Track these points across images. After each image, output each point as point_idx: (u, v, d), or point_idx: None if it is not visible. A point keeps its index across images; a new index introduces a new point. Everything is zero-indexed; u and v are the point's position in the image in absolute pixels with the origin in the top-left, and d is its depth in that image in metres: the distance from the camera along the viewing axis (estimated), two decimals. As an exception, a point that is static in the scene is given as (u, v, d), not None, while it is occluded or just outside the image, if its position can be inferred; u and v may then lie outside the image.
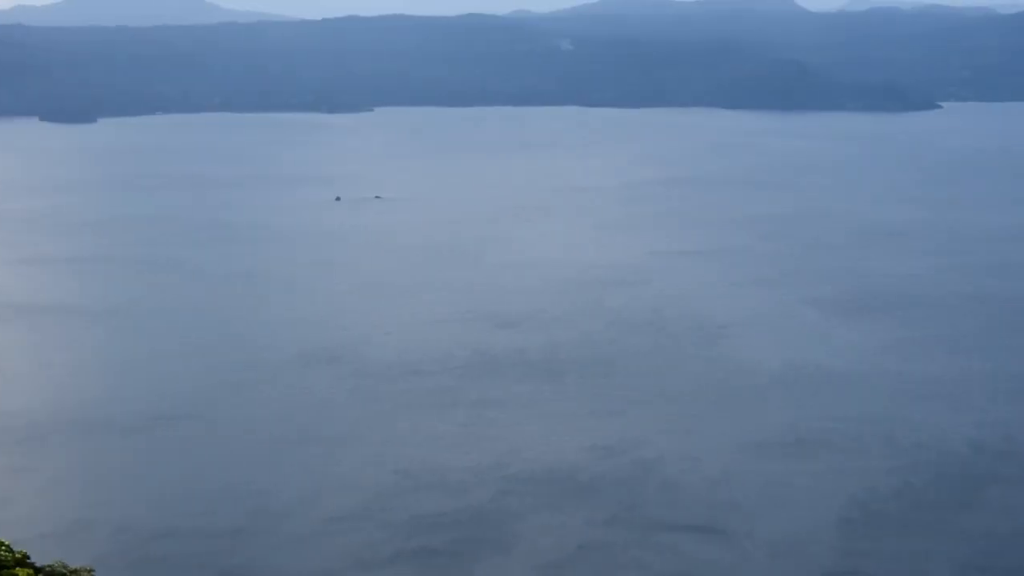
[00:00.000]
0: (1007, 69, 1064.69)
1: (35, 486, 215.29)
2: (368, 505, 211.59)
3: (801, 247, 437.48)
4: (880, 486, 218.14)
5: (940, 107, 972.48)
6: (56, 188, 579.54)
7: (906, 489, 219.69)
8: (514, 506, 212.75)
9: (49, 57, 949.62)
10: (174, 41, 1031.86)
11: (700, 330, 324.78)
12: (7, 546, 74.12)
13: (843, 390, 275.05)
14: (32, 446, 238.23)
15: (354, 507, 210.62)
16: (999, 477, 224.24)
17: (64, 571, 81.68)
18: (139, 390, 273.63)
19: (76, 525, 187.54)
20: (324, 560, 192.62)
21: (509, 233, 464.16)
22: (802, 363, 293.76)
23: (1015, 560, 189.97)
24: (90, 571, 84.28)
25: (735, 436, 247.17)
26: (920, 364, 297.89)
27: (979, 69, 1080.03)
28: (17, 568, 73.67)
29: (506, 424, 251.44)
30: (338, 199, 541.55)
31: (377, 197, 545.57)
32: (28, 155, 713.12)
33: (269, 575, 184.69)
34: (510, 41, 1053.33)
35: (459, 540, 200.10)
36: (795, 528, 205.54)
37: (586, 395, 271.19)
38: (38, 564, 78.22)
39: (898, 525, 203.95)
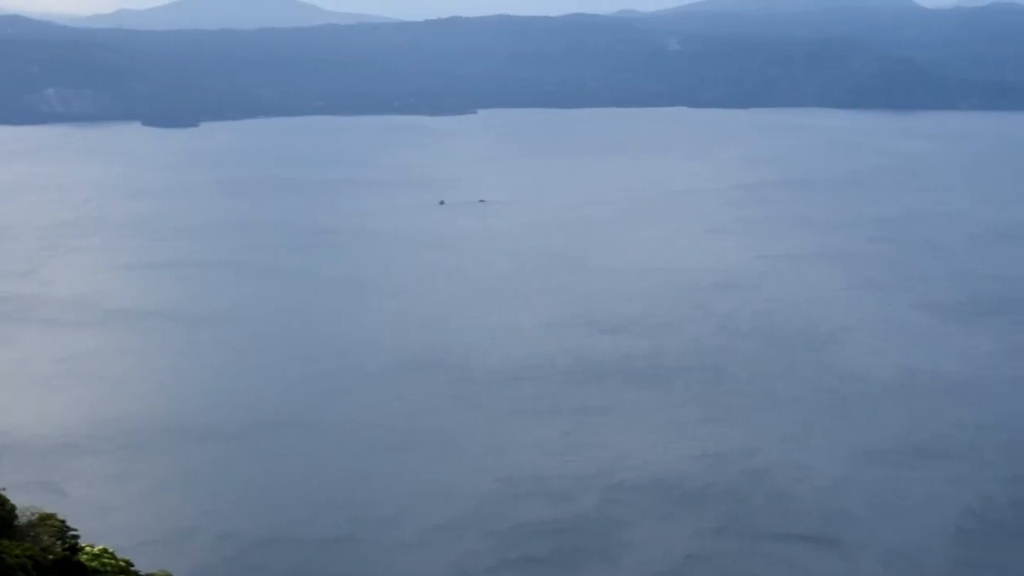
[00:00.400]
0: None
1: (138, 493, 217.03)
2: (471, 513, 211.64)
3: (915, 250, 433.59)
4: (997, 495, 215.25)
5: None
6: (158, 193, 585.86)
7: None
8: (619, 515, 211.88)
9: (151, 61, 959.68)
10: (275, 44, 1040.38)
11: (811, 336, 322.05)
12: (110, 554, 74.92)
13: (959, 397, 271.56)
14: (135, 452, 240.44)
15: (456, 515, 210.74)
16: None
17: None
18: (241, 396, 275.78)
19: (179, 533, 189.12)
20: (426, 569, 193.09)
21: (614, 237, 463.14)
22: (916, 369, 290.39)
23: None
24: None
25: (847, 444, 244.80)
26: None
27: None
28: None
29: (611, 431, 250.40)
30: (442, 203, 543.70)
31: (481, 201, 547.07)
32: (131, 160, 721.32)
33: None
34: (616, 41, 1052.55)
35: (563, 549, 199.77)
36: (910, 538, 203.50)
37: (693, 402, 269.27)
38: (141, 572, 79.10)
39: (1016, 535, 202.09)
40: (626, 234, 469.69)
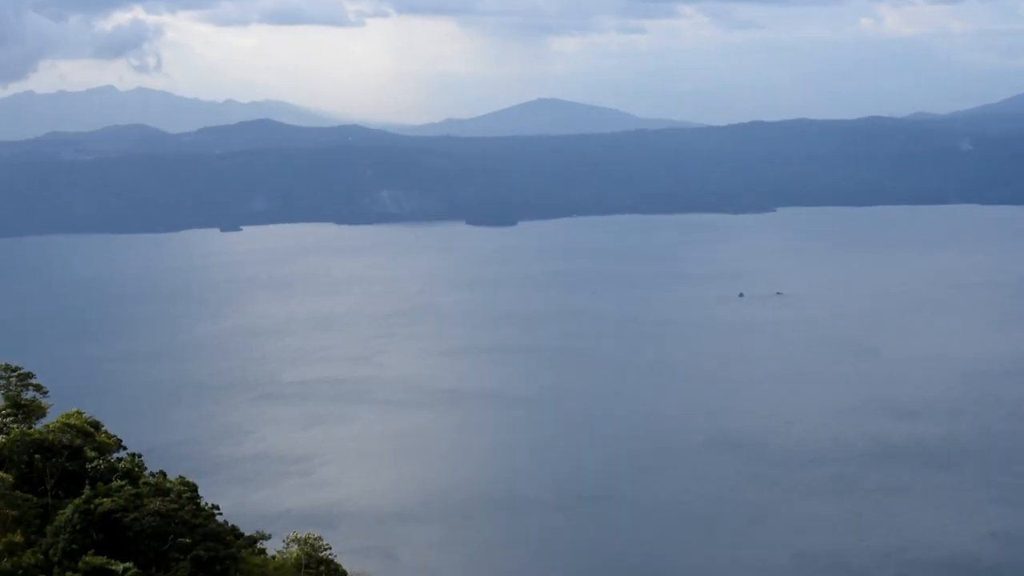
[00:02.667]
0: None
1: (465, 559, 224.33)
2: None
3: None
4: None
5: None
6: (482, 284, 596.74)
7: None
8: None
9: (474, 165, 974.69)
10: (589, 149, 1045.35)
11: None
12: None
13: None
14: (461, 521, 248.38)
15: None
16: None
17: None
18: (560, 470, 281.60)
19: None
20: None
21: (907, 327, 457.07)
22: None
23: None
24: None
25: None
26: None
27: None
28: None
29: (904, 511, 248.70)
30: (741, 295, 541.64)
31: (779, 293, 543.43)
32: (456, 255, 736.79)
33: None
34: (909, 142, 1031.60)
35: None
36: None
37: (985, 484, 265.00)
38: None
39: None
40: (918, 324, 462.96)
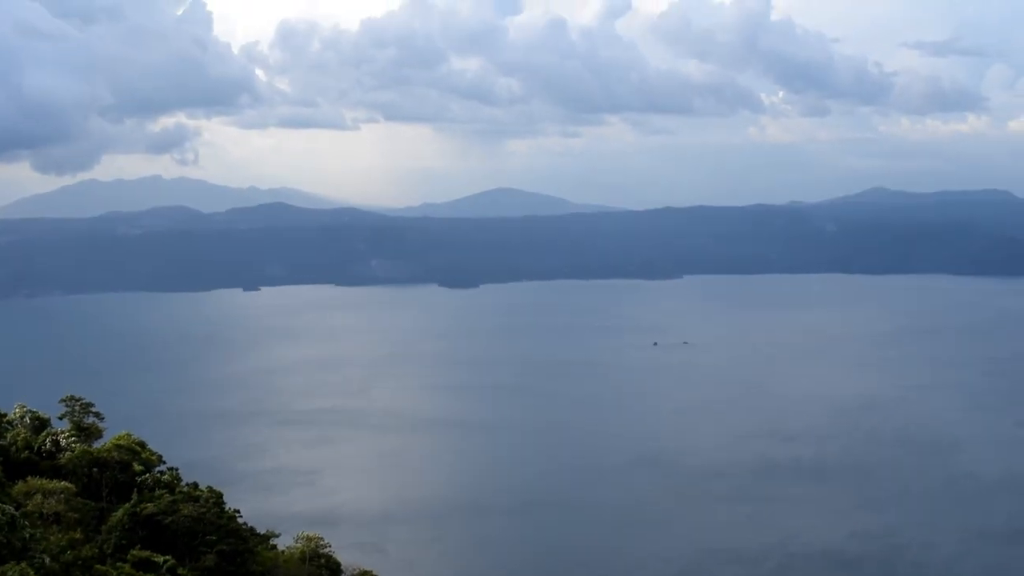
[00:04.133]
0: None
1: (439, 553, 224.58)
2: (681, 567, 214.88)
3: (1018, 381, 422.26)
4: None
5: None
6: (451, 335, 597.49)
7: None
8: (796, 573, 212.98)
9: (445, 239, 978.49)
10: (536, 227, 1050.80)
11: (936, 445, 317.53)
12: None
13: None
14: (435, 523, 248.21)
15: (670, 565, 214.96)
16: None
17: None
18: (512, 482, 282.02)
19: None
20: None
21: (786, 370, 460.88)
22: (1019, 472, 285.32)
23: None
24: None
25: (966, 527, 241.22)
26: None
27: None
28: None
29: (785, 514, 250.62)
30: (655, 344, 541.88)
31: (685, 343, 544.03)
32: (431, 311, 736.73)
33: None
34: (787, 224, 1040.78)
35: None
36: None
37: (848, 493, 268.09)
38: None
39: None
40: (795, 368, 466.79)
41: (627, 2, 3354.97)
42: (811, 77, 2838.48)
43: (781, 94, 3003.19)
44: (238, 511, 64.81)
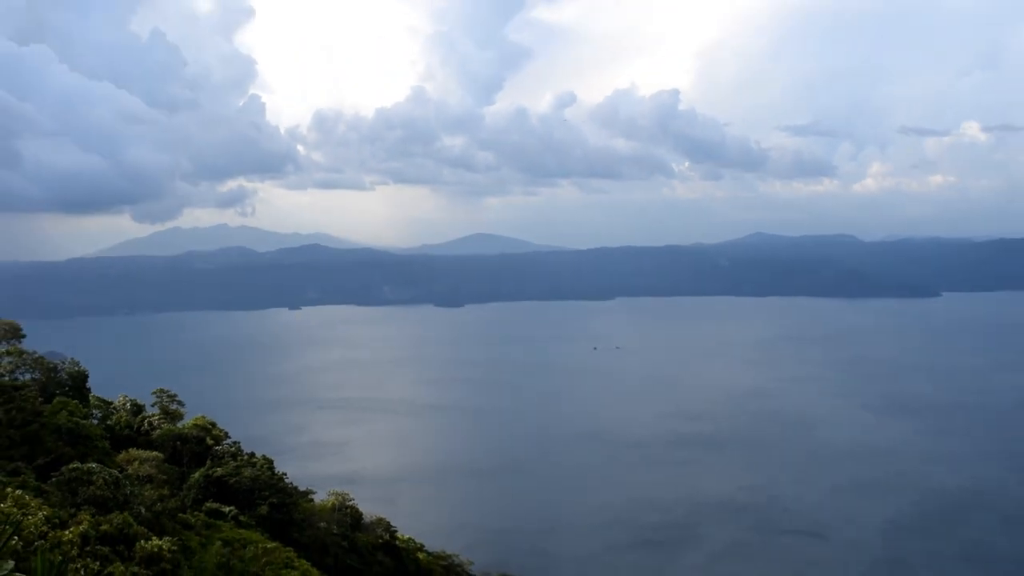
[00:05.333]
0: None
1: (436, 505, 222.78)
2: (614, 517, 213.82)
3: (859, 376, 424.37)
4: (906, 507, 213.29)
5: (941, 295, 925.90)
6: (444, 342, 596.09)
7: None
8: (697, 519, 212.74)
9: (439, 270, 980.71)
10: (508, 262, 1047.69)
11: (801, 423, 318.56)
12: (412, 540, 77.70)
13: (881, 457, 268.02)
14: (434, 482, 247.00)
15: (606, 518, 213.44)
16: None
17: (444, 555, 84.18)
18: (488, 452, 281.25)
19: (455, 528, 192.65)
20: (591, 545, 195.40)
21: (693, 367, 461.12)
22: (862, 442, 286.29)
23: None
24: (461, 559, 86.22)
25: (822, 482, 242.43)
26: (928, 443, 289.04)
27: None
28: (417, 553, 77.35)
29: (692, 475, 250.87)
30: (595, 348, 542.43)
31: (617, 347, 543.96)
32: (429, 325, 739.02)
33: (552, 554, 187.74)
34: (692, 260, 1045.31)
35: (666, 537, 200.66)
36: (861, 531, 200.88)
37: (737, 459, 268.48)
38: (429, 549, 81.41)
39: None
40: (699, 366, 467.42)
41: (572, 96, 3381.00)
42: (708, 151, 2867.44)
43: (686, 164, 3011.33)
44: (285, 474, 64.53)
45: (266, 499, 57.26)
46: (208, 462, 58.61)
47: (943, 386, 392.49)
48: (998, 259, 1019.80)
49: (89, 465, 36.14)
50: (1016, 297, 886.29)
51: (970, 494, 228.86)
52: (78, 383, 57.33)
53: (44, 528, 20.57)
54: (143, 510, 34.93)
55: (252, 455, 62.28)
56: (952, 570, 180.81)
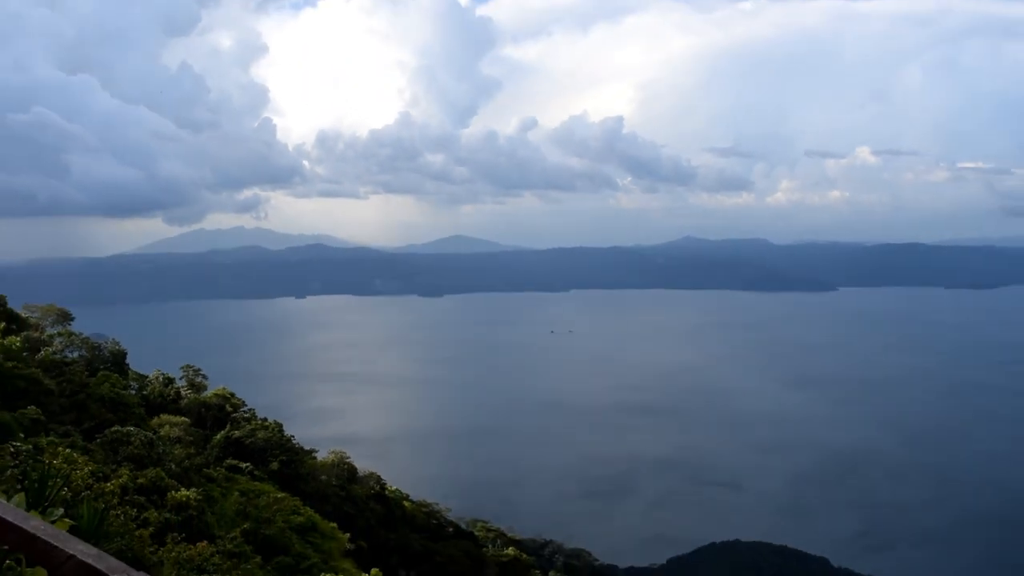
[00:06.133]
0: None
1: (421, 461, 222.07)
2: (568, 472, 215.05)
3: (771, 355, 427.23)
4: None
5: (837, 290, 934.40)
6: (427, 326, 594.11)
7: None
8: (639, 474, 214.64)
9: (421, 266, 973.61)
10: (478, 260, 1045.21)
11: (724, 393, 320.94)
12: (399, 491, 77.29)
13: (787, 421, 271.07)
14: (418, 442, 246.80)
15: (561, 473, 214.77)
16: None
17: (426, 503, 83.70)
18: (464, 417, 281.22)
19: (433, 480, 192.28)
20: (548, 494, 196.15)
21: (634, 347, 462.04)
22: (772, 409, 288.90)
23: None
24: (441, 507, 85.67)
25: (740, 442, 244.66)
26: (825, 410, 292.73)
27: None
28: (404, 501, 76.74)
29: (633, 435, 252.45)
30: (552, 332, 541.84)
31: (570, 331, 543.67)
32: (412, 313, 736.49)
33: (516, 502, 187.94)
34: (634, 259, 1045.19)
35: (611, 489, 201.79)
36: (772, 482, 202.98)
37: (673, 424, 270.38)
38: (414, 498, 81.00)
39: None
40: (640, 346, 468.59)
41: (534, 120, 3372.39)
42: (647, 168, 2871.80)
43: (628, 179, 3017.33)
44: (292, 436, 64.41)
45: (276, 457, 57.10)
46: (228, 426, 58.25)
47: (839, 364, 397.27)
48: (884, 260, 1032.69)
49: (128, 428, 36.00)
50: (898, 291, 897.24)
51: (859, 452, 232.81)
52: (118, 360, 56.81)
53: (89, 481, 20.54)
54: (173, 466, 34.83)
55: (265, 420, 62.03)
56: (843, 514, 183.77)
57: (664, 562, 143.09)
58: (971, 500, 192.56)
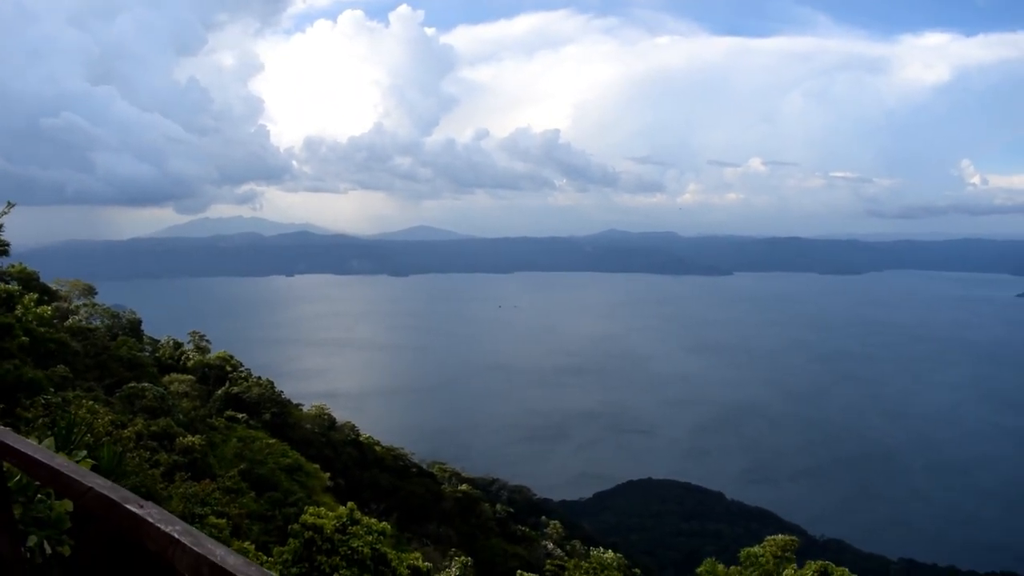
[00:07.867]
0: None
1: (389, 412, 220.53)
2: (512, 421, 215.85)
3: (678, 327, 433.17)
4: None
5: (733, 275, 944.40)
6: (396, 300, 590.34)
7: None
8: (570, 423, 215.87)
9: (393, 251, 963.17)
10: (440, 246, 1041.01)
11: (640, 358, 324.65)
12: (370, 437, 76.15)
13: (691, 381, 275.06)
14: (393, 397, 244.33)
15: (507, 422, 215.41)
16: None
17: (394, 448, 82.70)
18: (424, 376, 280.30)
19: (401, 428, 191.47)
20: (497, 440, 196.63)
21: (568, 320, 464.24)
22: (677, 373, 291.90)
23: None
24: (406, 451, 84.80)
25: (656, 398, 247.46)
26: (721, 372, 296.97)
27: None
28: (375, 447, 75.46)
29: (567, 392, 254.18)
30: (500, 307, 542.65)
31: (515, 306, 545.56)
32: (384, 290, 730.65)
33: (469, 446, 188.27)
34: (567, 247, 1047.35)
35: (548, 435, 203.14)
36: (678, 430, 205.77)
37: (599, 382, 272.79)
38: (384, 444, 79.93)
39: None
40: (572, 318, 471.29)
41: (486, 131, 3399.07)
42: (579, 172, 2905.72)
43: (564, 180, 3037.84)
44: (282, 391, 63.76)
45: (268, 409, 56.49)
46: (227, 383, 57.48)
47: (733, 335, 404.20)
48: (771, 250, 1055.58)
49: (142, 384, 35.37)
50: (782, 276, 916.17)
51: (747, 406, 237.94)
52: (134, 327, 55.59)
53: (110, 428, 20.29)
54: (181, 416, 34.34)
55: (259, 378, 61.18)
56: (735, 456, 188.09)
57: (591, 496, 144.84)
58: (836, 444, 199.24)
